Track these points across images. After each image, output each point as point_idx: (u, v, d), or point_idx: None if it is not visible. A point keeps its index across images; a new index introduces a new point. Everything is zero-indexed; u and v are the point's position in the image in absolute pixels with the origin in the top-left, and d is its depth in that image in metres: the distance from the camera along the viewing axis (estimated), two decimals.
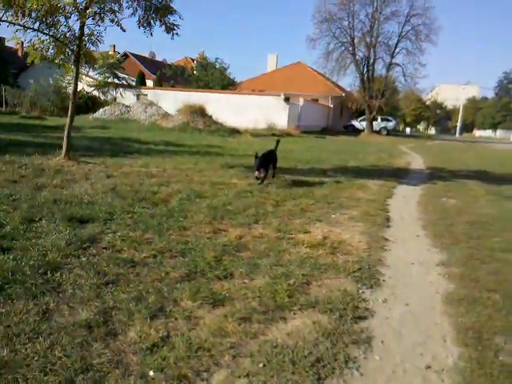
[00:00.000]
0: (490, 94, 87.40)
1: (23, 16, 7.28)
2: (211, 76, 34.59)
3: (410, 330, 2.88)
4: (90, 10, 7.54)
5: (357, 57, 38.39)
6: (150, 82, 36.73)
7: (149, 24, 8.26)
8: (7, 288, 2.82)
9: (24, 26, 7.53)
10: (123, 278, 3.20)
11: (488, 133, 77.49)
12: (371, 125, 37.94)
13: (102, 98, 27.86)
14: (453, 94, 72.84)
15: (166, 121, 21.08)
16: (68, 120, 8.11)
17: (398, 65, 39.23)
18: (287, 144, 17.33)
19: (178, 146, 13.07)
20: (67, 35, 7.96)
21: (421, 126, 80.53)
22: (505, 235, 5.25)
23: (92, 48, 8.72)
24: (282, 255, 4.03)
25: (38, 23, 7.51)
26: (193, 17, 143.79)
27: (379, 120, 39.65)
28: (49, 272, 3.10)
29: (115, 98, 27.57)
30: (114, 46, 45.20)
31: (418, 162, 15.74)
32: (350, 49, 38.07)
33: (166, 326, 2.61)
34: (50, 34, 7.79)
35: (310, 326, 2.76)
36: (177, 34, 8.48)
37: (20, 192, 5.28)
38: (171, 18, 8.29)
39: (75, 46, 8.07)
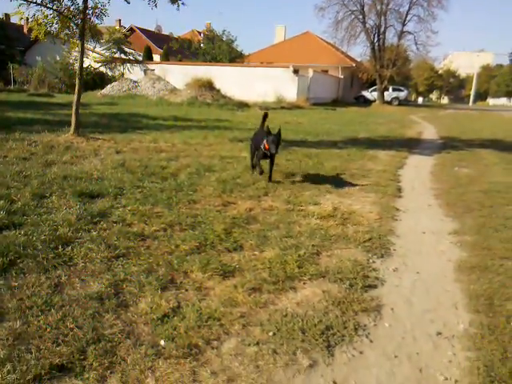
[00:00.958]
0: (505, 61, 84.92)
1: None
2: (218, 49, 34.10)
3: (420, 298, 2.87)
4: None
5: (367, 25, 37.36)
6: (156, 57, 36.33)
7: None
8: (19, 262, 2.85)
9: (27, 0, 7.41)
10: (133, 251, 3.22)
11: (502, 101, 75.66)
12: (382, 95, 37.23)
13: (110, 73, 27.65)
14: (466, 62, 71.09)
15: (174, 95, 20.90)
16: (75, 96, 8.05)
17: (409, 33, 38.16)
18: (296, 117, 17.16)
19: (186, 121, 12.98)
20: (71, 9, 7.84)
21: (433, 96, 79.04)
22: None
23: (97, 21, 8.62)
24: (291, 227, 4.01)
25: None
26: None
27: (390, 90, 38.88)
28: (60, 246, 3.13)
29: (123, 74, 27.31)
30: (120, 20, 44.72)
31: (430, 132, 15.48)
32: (360, 17, 37.00)
33: (176, 297, 2.63)
34: (54, 8, 7.68)
35: (320, 295, 2.77)
36: (183, 3, 8.29)
37: (30, 169, 5.31)
38: None
39: (79, 20, 7.95)
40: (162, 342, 2.17)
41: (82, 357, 2.02)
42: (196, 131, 10.44)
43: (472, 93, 64.08)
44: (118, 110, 15.14)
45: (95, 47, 24.08)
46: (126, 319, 2.36)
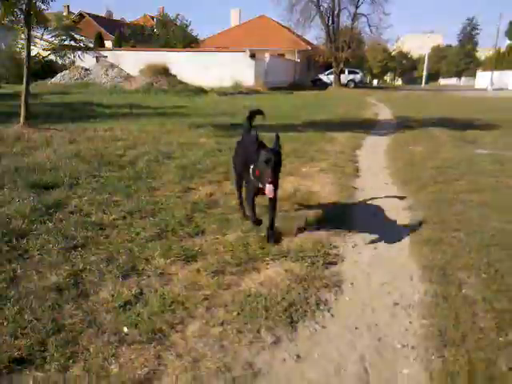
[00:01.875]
0: (454, 42, 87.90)
1: None
2: (172, 34, 33.36)
3: (378, 272, 2.98)
4: None
5: (321, 8, 37.74)
6: (108, 43, 35.22)
7: None
8: None
9: None
10: (92, 240, 3.15)
11: (453, 81, 78.49)
12: (339, 78, 37.78)
13: (60, 62, 26.46)
14: (418, 44, 73.03)
15: (129, 83, 20.36)
16: (24, 85, 7.70)
17: (362, 15, 38.93)
18: (255, 101, 17.14)
19: (143, 108, 12.70)
20: None
21: (388, 78, 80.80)
22: (467, 177, 5.41)
23: (43, 7, 8.22)
24: None
25: None
26: None
27: (346, 73, 39.47)
28: (14, 239, 3.02)
29: (74, 62, 26.17)
30: (68, 6, 42.86)
31: (385, 113, 15.86)
32: (315, 0, 37.19)
33: (138, 283, 2.61)
34: None
35: (283, 274, 2.81)
36: None
37: None
38: None
39: (24, 5, 7.56)
40: (125, 329, 2.15)
41: (42, 348, 1.97)
42: (153, 118, 10.23)
43: (424, 74, 65.93)
44: (70, 100, 14.63)
45: (43, 35, 22.96)
46: (87, 309, 2.32)
